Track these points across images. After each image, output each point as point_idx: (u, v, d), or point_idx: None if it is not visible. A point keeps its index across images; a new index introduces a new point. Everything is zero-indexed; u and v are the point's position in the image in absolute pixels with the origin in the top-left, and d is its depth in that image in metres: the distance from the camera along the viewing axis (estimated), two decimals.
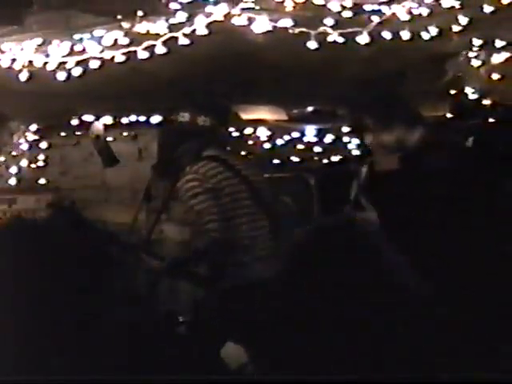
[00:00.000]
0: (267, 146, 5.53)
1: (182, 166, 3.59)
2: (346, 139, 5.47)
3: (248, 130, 5.40)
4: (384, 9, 3.83)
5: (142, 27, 3.92)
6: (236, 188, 3.51)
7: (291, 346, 1.86)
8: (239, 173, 3.56)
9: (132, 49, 3.92)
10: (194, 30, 3.86)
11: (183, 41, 3.88)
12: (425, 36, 3.85)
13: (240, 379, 1.77)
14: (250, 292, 3.16)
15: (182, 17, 3.89)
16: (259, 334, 2.10)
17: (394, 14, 3.78)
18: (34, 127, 5.53)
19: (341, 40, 3.81)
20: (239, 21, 3.85)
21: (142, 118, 5.40)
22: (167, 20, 3.91)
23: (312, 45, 3.83)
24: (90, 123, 5.31)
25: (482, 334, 2.21)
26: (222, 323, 2.84)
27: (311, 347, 1.84)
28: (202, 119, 3.60)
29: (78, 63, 3.99)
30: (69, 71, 4.02)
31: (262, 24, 3.83)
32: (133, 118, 5.42)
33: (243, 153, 5.34)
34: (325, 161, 5.61)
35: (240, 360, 2.97)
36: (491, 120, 4.34)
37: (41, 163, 5.65)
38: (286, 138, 5.52)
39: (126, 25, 3.94)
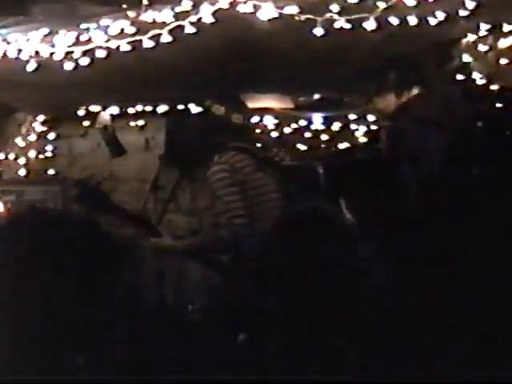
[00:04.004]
0: (274, 134, 5.53)
1: (209, 156, 3.60)
2: (353, 126, 5.46)
3: (254, 119, 5.40)
4: None
5: (147, 16, 3.91)
6: (263, 181, 3.53)
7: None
8: (266, 165, 3.57)
9: (138, 38, 3.92)
10: (199, 19, 3.85)
11: (189, 29, 3.87)
12: (432, 21, 3.82)
13: (239, 379, 1.76)
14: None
15: (187, 5, 3.88)
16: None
17: None
18: (41, 118, 5.54)
19: (347, 26, 3.79)
20: (245, 8, 3.84)
21: (149, 108, 5.40)
22: (173, 8, 3.91)
23: (318, 31, 3.81)
24: (97, 114, 5.34)
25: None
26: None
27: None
28: (236, 116, 3.63)
29: (84, 53, 3.99)
30: (75, 61, 4.02)
31: (267, 11, 3.82)
32: (140, 107, 5.42)
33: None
34: (332, 149, 5.60)
35: None
36: (499, 105, 4.32)
37: (49, 154, 5.67)
38: (293, 126, 5.52)
39: (131, 14, 3.93)
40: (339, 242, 1.90)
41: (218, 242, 3.47)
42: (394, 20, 3.81)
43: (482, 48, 4.12)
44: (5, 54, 4.04)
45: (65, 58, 4.00)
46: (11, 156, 5.61)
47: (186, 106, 5.24)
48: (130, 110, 5.40)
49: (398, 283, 2.45)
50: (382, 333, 1.85)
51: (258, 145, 3.84)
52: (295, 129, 5.51)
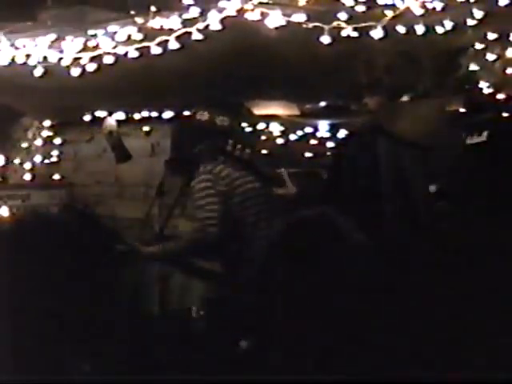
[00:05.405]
0: (280, 141, 5.53)
1: (198, 164, 3.63)
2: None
3: (261, 126, 5.40)
4: (398, 3, 3.82)
5: (155, 22, 3.93)
6: (249, 186, 3.53)
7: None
8: (252, 171, 3.58)
9: (145, 44, 3.93)
10: (207, 26, 3.86)
11: (197, 36, 3.88)
12: (439, 30, 3.83)
13: (239, 379, 1.76)
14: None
15: (195, 12, 3.89)
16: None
17: (407, 7, 3.77)
18: (47, 123, 5.55)
19: (355, 34, 3.80)
20: (252, 16, 3.85)
21: (155, 114, 5.41)
22: (180, 15, 3.92)
23: (326, 39, 3.82)
24: (103, 119, 5.33)
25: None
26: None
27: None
28: (221, 119, 3.63)
29: (91, 59, 4.00)
30: (83, 67, 4.03)
31: (275, 19, 3.83)
32: (145, 113, 5.42)
33: (256, 149, 5.33)
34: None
35: None
36: (506, 114, 4.32)
37: (54, 159, 5.68)
38: (299, 133, 5.51)
39: (139, 20, 3.95)
40: (345, 247, 1.90)
41: (193, 245, 3.52)
42: (401, 29, 3.82)
43: (490, 57, 4.12)
44: (13, 59, 4.05)
45: (72, 63, 4.01)
46: (17, 161, 5.61)
47: (191, 112, 5.24)
48: (136, 116, 5.41)
49: (400, 285, 2.45)
50: (382, 333, 1.86)
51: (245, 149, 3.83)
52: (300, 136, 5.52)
